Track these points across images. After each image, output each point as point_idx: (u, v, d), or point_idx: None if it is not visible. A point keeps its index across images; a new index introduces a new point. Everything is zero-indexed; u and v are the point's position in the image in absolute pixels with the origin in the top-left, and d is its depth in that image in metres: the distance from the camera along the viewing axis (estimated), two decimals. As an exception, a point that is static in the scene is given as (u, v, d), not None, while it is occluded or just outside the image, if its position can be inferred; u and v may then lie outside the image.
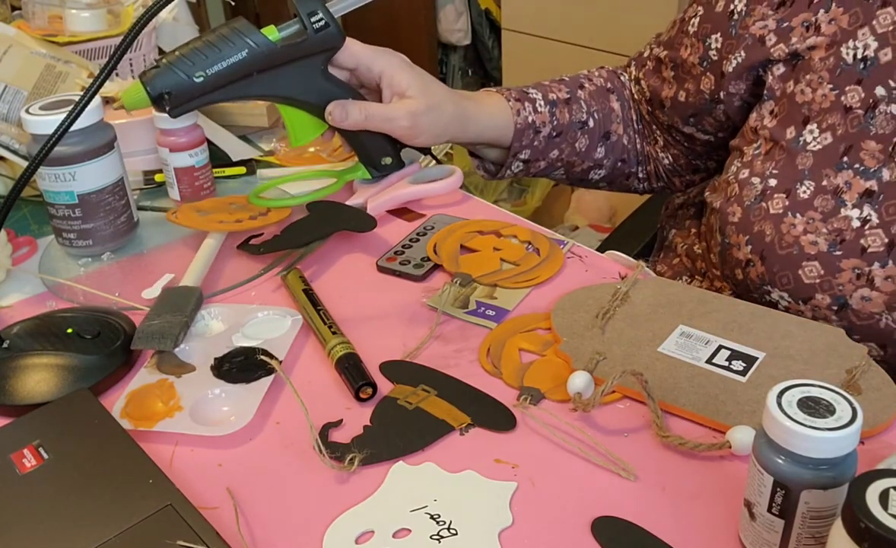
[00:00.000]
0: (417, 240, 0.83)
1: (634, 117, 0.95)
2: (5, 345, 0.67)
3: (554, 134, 0.90)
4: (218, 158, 1.00)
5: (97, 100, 0.79)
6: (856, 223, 0.69)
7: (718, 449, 0.56)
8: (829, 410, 0.45)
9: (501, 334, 0.69)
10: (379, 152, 0.87)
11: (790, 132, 0.74)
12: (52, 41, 1.04)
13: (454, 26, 2.87)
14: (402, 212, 0.90)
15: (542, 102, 0.90)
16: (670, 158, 0.95)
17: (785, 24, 0.75)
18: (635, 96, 0.95)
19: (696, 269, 0.89)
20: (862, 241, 0.69)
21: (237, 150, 1.03)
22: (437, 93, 0.84)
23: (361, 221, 0.83)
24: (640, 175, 0.98)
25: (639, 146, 0.96)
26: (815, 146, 0.72)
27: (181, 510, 0.50)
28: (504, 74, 2.61)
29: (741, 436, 0.55)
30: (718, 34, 0.80)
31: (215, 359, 0.66)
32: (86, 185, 0.79)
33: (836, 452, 0.44)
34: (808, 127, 0.73)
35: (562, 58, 2.32)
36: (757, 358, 0.63)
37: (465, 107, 0.86)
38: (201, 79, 0.73)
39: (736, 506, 0.51)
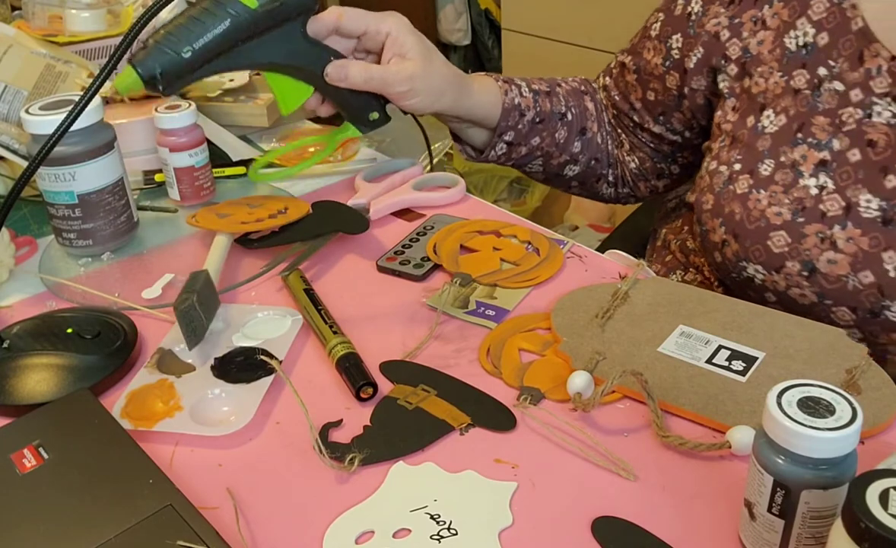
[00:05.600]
0: (417, 240, 0.83)
1: (606, 119, 1.00)
2: (5, 345, 0.67)
3: (537, 120, 0.94)
4: (218, 157, 1.00)
5: (97, 100, 0.79)
6: (814, 190, 0.74)
7: (718, 449, 0.56)
8: (828, 410, 0.45)
9: (501, 334, 0.69)
10: (366, 109, 0.87)
11: (750, 121, 0.80)
12: (52, 41, 1.04)
13: (454, 26, 2.87)
14: (401, 212, 0.90)
15: (527, 89, 0.96)
16: (636, 161, 0.99)
17: (736, 20, 0.82)
18: (604, 102, 1.01)
19: (689, 262, 0.92)
20: (821, 206, 0.73)
21: (237, 150, 1.03)
22: (437, 60, 0.86)
23: (355, 224, 0.83)
24: (610, 179, 1.02)
25: (609, 148, 1.00)
26: (772, 129, 0.78)
27: (181, 510, 0.50)
28: (504, 74, 2.60)
29: (741, 436, 0.55)
30: (679, 35, 0.86)
31: (215, 359, 0.66)
32: (86, 185, 0.79)
33: (836, 452, 0.44)
34: (765, 113, 0.79)
35: (562, 58, 2.32)
36: (757, 358, 0.63)
37: (460, 79, 0.90)
38: (189, 53, 0.73)
39: (736, 506, 0.51)
